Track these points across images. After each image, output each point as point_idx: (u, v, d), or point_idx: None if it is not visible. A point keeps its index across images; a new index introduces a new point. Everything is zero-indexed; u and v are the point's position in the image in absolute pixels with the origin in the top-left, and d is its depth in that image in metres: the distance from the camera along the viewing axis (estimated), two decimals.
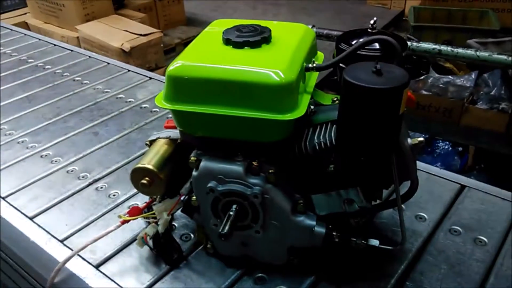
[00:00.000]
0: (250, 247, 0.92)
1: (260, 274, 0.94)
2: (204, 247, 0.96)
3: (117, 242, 1.01)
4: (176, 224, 1.07)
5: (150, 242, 0.95)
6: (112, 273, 0.95)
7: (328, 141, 0.79)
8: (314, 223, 0.85)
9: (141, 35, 3.60)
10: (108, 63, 1.94)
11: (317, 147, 0.80)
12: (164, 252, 0.97)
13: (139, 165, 0.91)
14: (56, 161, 1.32)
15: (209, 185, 0.85)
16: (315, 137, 0.81)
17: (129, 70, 1.88)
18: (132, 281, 0.93)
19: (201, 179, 0.86)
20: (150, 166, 0.90)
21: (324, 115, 0.85)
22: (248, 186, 0.83)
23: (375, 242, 0.84)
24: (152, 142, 0.98)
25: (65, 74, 1.86)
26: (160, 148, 0.95)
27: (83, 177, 1.25)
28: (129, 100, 1.65)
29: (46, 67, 1.92)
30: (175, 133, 0.97)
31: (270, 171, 0.83)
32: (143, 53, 3.55)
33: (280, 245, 0.89)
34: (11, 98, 1.68)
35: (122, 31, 3.67)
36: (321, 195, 0.84)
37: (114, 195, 1.18)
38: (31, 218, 1.10)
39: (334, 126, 0.81)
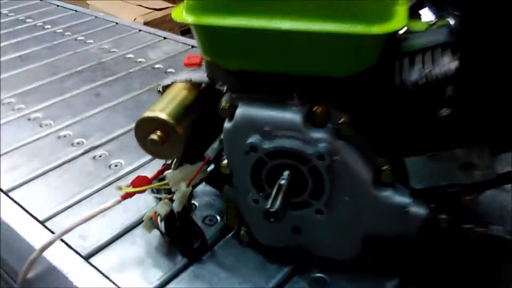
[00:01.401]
0: (305, 235, 0.64)
1: (317, 274, 0.66)
2: (237, 234, 0.72)
3: (116, 224, 0.76)
4: (196, 203, 0.80)
5: (162, 225, 0.68)
6: (107, 268, 0.69)
7: (441, 70, 0.50)
8: (408, 200, 0.56)
9: (155, 9, 3.35)
10: (117, 23, 1.68)
11: (424, 80, 0.51)
12: (180, 239, 0.70)
13: (149, 114, 0.63)
14: (46, 124, 1.06)
15: (250, 141, 0.57)
16: (416, 68, 0.52)
17: (140, 30, 1.62)
18: (135, 279, 0.67)
19: (237, 132, 0.58)
20: (164, 116, 0.62)
21: (422, 40, 0.56)
22: (308, 142, 0.55)
23: (499, 230, 0.56)
24: (166, 88, 0.70)
25: (67, 33, 1.61)
26: (178, 94, 0.67)
27: (78, 143, 0.99)
28: (140, 60, 1.38)
29: (46, 26, 1.67)
30: (199, 75, 0.70)
31: (341, 120, 0.55)
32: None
33: (351, 233, 0.61)
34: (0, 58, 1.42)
35: (135, 6, 3.43)
36: (420, 159, 0.55)
37: (116, 166, 0.91)
38: (5, 192, 0.84)
39: (447, 51, 0.52)
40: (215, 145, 0.66)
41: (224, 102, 0.59)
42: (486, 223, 0.56)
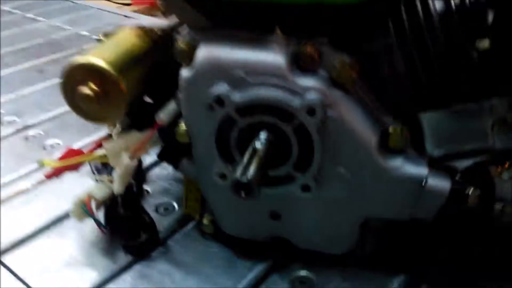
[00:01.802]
0: (286, 222, 0.49)
1: (301, 273, 0.51)
2: (198, 225, 0.56)
3: (42, 214, 0.58)
4: (149, 190, 0.64)
5: (99, 213, 0.52)
6: (24, 268, 0.52)
7: None
8: (424, 171, 0.42)
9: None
10: (76, 3, 1.51)
11: (456, 5, 0.38)
12: (123, 230, 0.54)
13: (80, 59, 0.47)
14: None
15: (215, 91, 0.43)
16: None
17: (100, 9, 1.45)
18: (59, 282, 0.50)
19: (198, 81, 0.44)
20: (101, 63, 0.47)
21: None
22: (294, 92, 0.41)
23: None
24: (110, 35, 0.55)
25: (15, 11, 1.42)
26: (124, 40, 0.52)
27: (9, 122, 0.82)
28: (96, 37, 1.21)
29: None
30: (153, 20, 0.55)
31: (338, 63, 0.41)
32: None
33: (347, 217, 0.47)
34: None
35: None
36: (440, 115, 0.42)
37: (52, 147, 0.76)
38: None
39: None
40: (171, 106, 0.51)
41: (181, 41, 0.44)
42: None
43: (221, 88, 0.43)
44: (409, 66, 0.41)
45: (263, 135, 0.42)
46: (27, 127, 0.80)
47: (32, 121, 0.82)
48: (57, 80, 0.50)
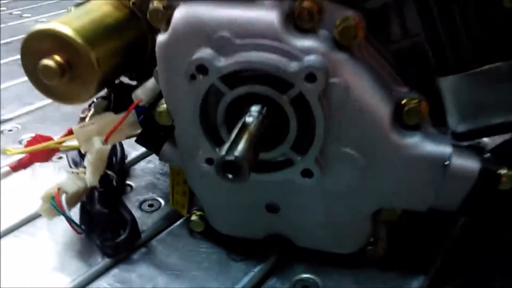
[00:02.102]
0: (285, 215, 0.42)
1: (303, 276, 0.44)
2: (187, 221, 0.50)
3: (7, 211, 0.54)
4: (133, 185, 0.57)
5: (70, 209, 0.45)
6: None
7: None
8: (448, 149, 0.35)
9: None
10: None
11: None
12: (100, 229, 0.47)
13: (44, 27, 0.41)
14: None
15: (197, 56, 0.36)
16: None
17: None
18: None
19: (177, 47, 0.37)
20: (68, 30, 0.40)
21: None
22: (290, 55, 0.34)
23: None
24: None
25: (2, 9, 1.37)
26: (96, 8, 0.46)
27: None
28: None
29: None
30: None
31: (343, 19, 0.34)
32: None
33: (356, 208, 0.40)
34: None
35: None
36: (464, 80, 0.35)
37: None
38: None
39: None
40: (150, 83, 0.44)
41: (155, 1, 0.37)
42: None
43: (203, 53, 0.36)
44: (426, 22, 0.34)
45: (254, 108, 0.36)
46: (3, 121, 0.74)
47: (10, 115, 0.76)
48: None
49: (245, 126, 0.34)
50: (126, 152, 0.61)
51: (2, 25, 1.22)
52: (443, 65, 0.35)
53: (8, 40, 1.11)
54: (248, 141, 0.33)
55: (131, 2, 0.47)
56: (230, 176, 0.32)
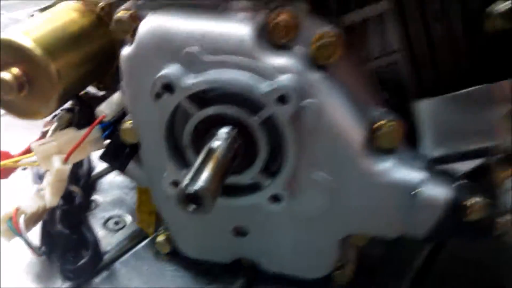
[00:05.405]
0: (252, 240, 0.40)
1: None
2: (153, 241, 0.48)
3: None
4: (100, 199, 0.55)
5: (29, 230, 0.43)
6: None
7: None
8: (420, 176, 0.34)
9: None
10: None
11: None
12: (61, 251, 0.46)
13: (2, 36, 0.38)
14: None
15: (163, 73, 0.34)
16: None
17: None
18: None
19: (142, 61, 0.35)
20: (26, 40, 0.38)
21: None
22: (262, 73, 0.33)
23: None
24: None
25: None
26: (60, 14, 0.43)
27: None
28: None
29: None
30: None
31: (320, 36, 0.32)
32: None
33: (325, 234, 0.39)
34: None
35: None
36: (440, 103, 0.33)
37: None
38: None
39: None
40: (115, 97, 0.42)
41: (121, 11, 0.35)
42: None
43: (170, 69, 0.34)
44: (406, 39, 0.33)
45: (222, 131, 0.34)
46: None
47: None
48: None
49: (211, 151, 0.32)
50: (93, 164, 0.59)
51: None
52: (420, 86, 0.34)
53: None
54: (214, 169, 0.31)
55: (98, 8, 0.45)
56: (191, 208, 0.30)
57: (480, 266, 0.45)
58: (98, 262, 0.46)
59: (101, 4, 0.44)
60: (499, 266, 0.45)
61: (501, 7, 0.29)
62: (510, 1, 0.29)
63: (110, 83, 0.47)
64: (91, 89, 0.49)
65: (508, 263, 0.45)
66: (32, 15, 0.46)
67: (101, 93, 0.49)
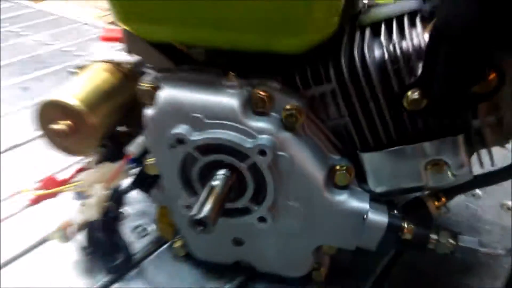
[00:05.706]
0: (247, 248, 0.53)
1: None
2: (171, 247, 0.60)
3: (20, 237, 0.63)
4: (129, 210, 0.68)
5: (79, 237, 0.56)
6: None
7: (412, 43, 0.41)
8: (366, 205, 0.46)
9: None
10: (61, 16, 1.55)
11: (389, 56, 0.42)
12: (101, 252, 0.59)
13: (53, 97, 0.51)
14: None
15: (176, 131, 0.46)
16: (380, 40, 0.43)
17: (86, 24, 1.49)
18: None
19: (160, 121, 0.47)
20: (73, 101, 0.50)
21: (384, 11, 0.47)
22: (247, 133, 0.45)
23: (473, 243, 0.47)
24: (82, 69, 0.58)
25: (3, 25, 1.45)
26: (95, 75, 0.56)
27: None
28: (79, 53, 1.25)
29: None
30: (123, 55, 0.58)
31: (288, 107, 0.44)
32: None
33: (301, 245, 0.51)
34: None
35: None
36: (381, 155, 0.45)
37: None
38: None
39: (417, 19, 0.43)
40: (141, 139, 0.54)
41: (144, 82, 0.48)
42: (456, 233, 0.47)
43: (181, 128, 0.46)
44: (350, 110, 0.45)
45: (220, 173, 0.46)
46: (9, 149, 0.84)
47: (17, 141, 0.86)
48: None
49: (212, 188, 0.45)
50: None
51: (3, 44, 1.30)
52: (364, 143, 0.46)
53: (9, 61, 1.19)
54: (214, 202, 0.44)
55: (125, 69, 0.57)
56: (199, 229, 0.42)
57: (427, 274, 0.57)
58: (130, 262, 0.59)
59: (127, 65, 0.57)
60: (443, 275, 0.57)
61: (413, 95, 0.41)
62: (417, 93, 0.41)
63: (135, 122, 0.59)
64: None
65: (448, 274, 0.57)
66: (73, 72, 0.58)
67: (127, 129, 0.62)
